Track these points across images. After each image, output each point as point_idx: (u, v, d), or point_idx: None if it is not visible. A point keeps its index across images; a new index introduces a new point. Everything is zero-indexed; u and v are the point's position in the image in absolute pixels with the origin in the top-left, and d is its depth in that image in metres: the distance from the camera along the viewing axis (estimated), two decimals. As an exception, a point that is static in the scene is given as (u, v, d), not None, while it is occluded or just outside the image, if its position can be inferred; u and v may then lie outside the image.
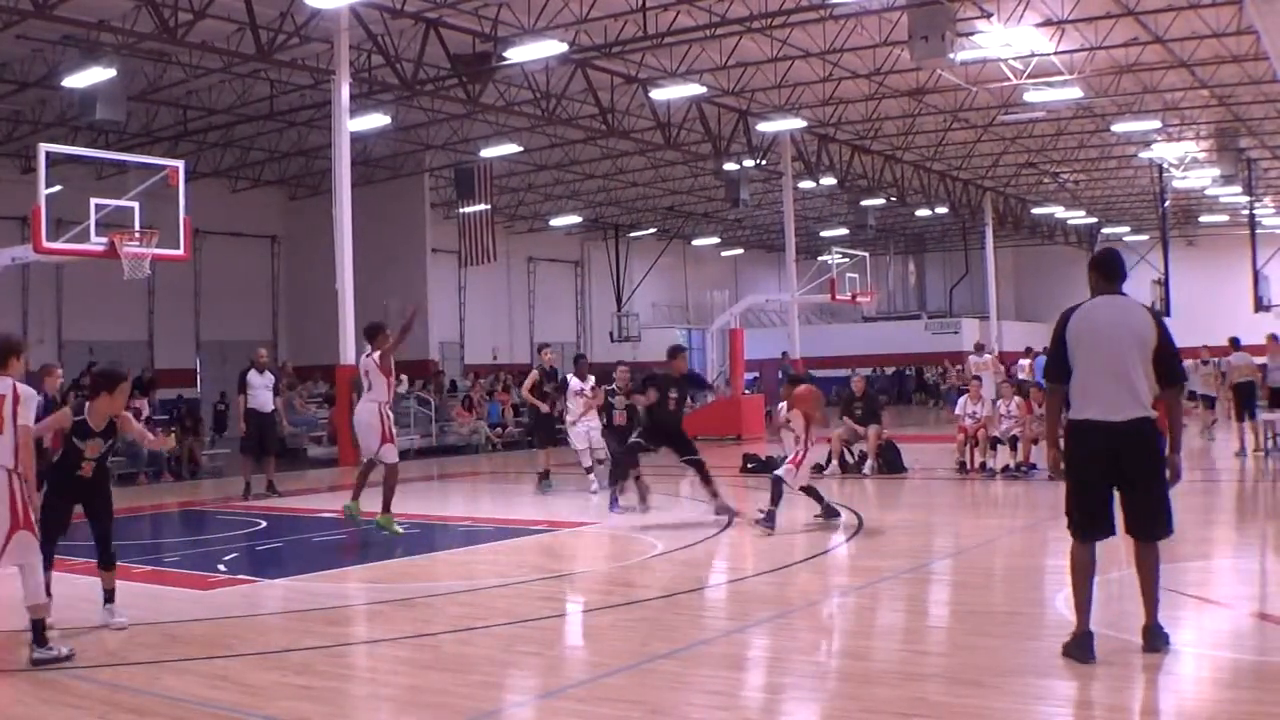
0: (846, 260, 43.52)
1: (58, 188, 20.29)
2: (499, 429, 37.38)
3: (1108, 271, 9.37)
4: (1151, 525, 8.96)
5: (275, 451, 23.61)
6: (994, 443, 23.12)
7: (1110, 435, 8.83)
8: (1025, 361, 39.07)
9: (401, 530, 16.31)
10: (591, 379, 21.91)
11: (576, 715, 7.92)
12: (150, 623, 10.85)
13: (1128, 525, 8.97)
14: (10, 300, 36.33)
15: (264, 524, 18.44)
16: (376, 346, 16.65)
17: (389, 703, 8.52)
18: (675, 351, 18.90)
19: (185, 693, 8.49)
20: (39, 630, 9.39)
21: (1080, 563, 8.97)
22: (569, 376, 22.37)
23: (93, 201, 20.26)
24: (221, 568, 14.28)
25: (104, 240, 20.24)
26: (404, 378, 38.60)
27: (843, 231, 60.45)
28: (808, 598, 12.11)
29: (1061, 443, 9.27)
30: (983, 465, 23.04)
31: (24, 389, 9.55)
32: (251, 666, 9.28)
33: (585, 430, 21.74)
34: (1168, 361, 9.04)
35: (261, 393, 22.54)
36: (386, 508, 16.29)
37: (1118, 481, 8.89)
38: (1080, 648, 8.66)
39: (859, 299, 44.63)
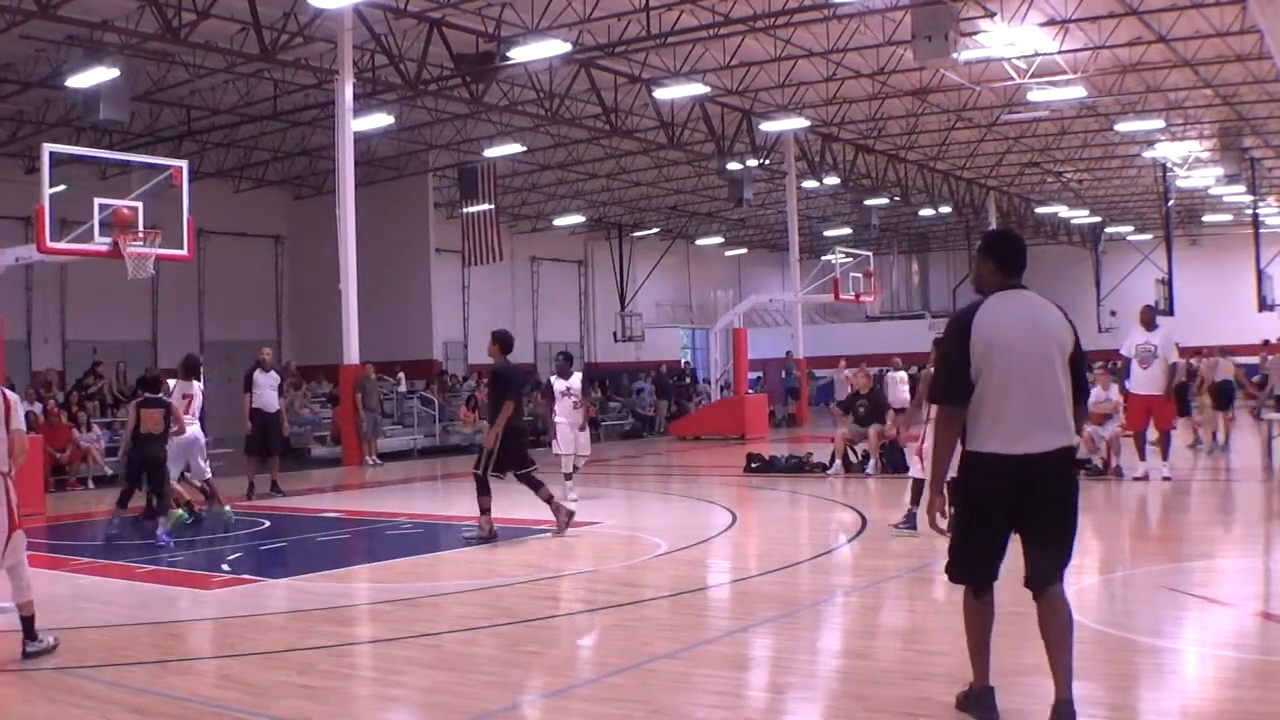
0: (850, 260, 43.44)
1: (61, 188, 20.24)
2: (502, 428, 37.32)
3: (1007, 260, 7.40)
4: (1060, 566, 7.26)
5: (279, 451, 23.66)
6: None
7: (1024, 471, 7.04)
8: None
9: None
10: (578, 375, 21.33)
11: (580, 715, 7.93)
12: (154, 622, 10.88)
13: (1033, 573, 7.24)
14: (14, 300, 36.32)
15: (267, 524, 18.46)
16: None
17: (393, 702, 8.54)
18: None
19: (189, 692, 8.50)
20: (29, 625, 9.59)
21: (980, 617, 7.54)
22: (551, 377, 21.92)
23: (96, 201, 20.23)
24: (225, 567, 14.32)
25: (108, 240, 20.22)
26: (401, 375, 38.73)
27: (846, 231, 60.47)
28: (811, 597, 12.11)
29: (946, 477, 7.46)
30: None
31: (10, 394, 9.94)
32: (255, 666, 9.29)
33: (571, 434, 20.79)
34: (1080, 374, 7.34)
35: (267, 392, 22.61)
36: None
37: (1020, 525, 7.18)
38: (981, 705, 7.46)
39: (862, 299, 44.58)
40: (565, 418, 20.67)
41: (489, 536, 15.89)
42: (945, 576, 7.52)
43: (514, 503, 19.00)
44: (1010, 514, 7.16)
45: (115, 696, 8.55)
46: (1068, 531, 7.21)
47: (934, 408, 7.57)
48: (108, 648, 10.04)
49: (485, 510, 16.05)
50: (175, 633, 10.59)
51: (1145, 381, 20.39)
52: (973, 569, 7.41)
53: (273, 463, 23.06)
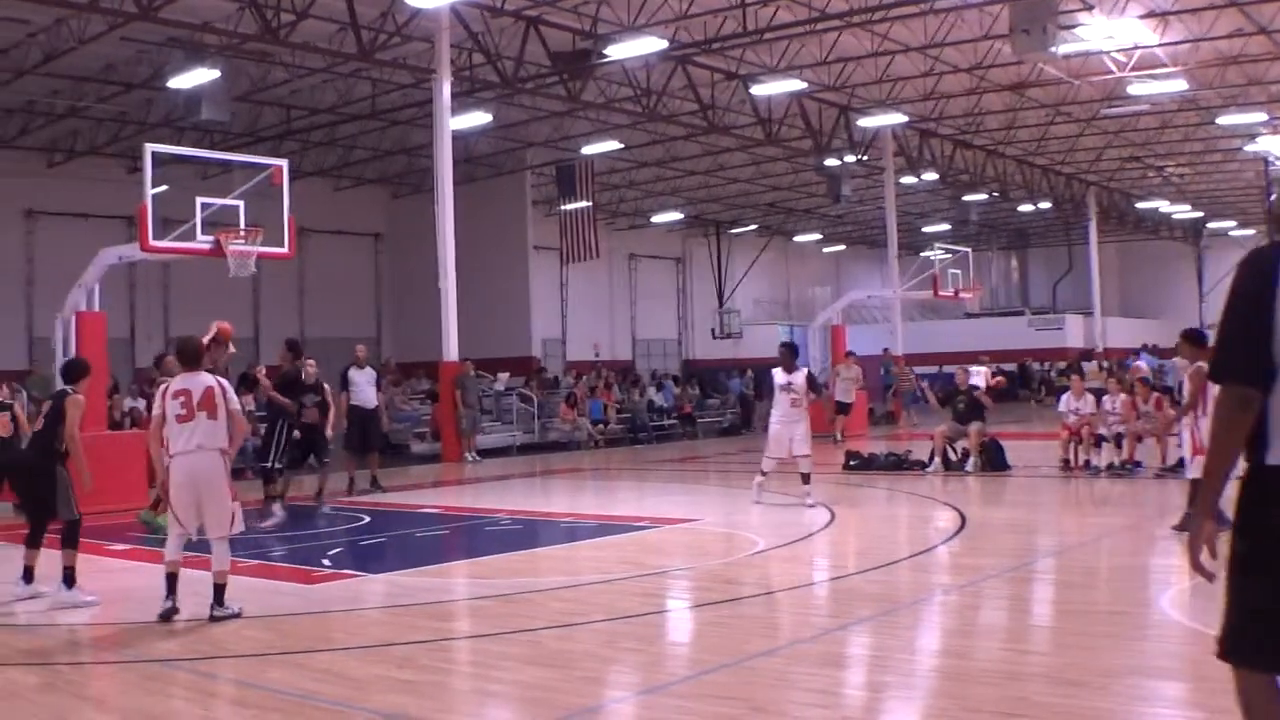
0: (949, 256, 43.20)
1: (164, 187, 20.47)
2: (601, 425, 37.46)
3: None
4: None
5: (379, 447, 23.80)
6: (1098, 440, 22.85)
7: None
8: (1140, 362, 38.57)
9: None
10: (804, 370, 19.53)
11: (677, 712, 7.91)
12: (256, 616, 10.98)
13: None
14: (119, 298, 36.78)
15: (367, 519, 18.59)
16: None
17: (490, 697, 8.57)
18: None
19: (288, 685, 8.57)
20: (220, 592, 10.87)
21: (1263, 710, 5.07)
22: (774, 370, 19.51)
23: (198, 200, 20.46)
24: (326, 562, 14.44)
25: (210, 239, 20.45)
26: (505, 374, 38.82)
27: (945, 227, 60.07)
28: (910, 596, 12.04)
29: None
30: (1086, 463, 22.76)
31: (223, 380, 11.41)
32: (354, 660, 9.35)
33: (787, 434, 18.92)
34: None
35: (364, 389, 22.76)
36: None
37: None
38: None
39: (962, 295, 44.20)
40: (782, 416, 19.00)
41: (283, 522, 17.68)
42: (1216, 652, 5.17)
43: (615, 499, 19.06)
44: None
45: (215, 689, 8.66)
46: None
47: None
48: (208, 640, 10.15)
49: (275, 497, 17.94)
50: (275, 626, 10.68)
51: None
52: (1263, 644, 4.95)
53: (372, 459, 23.21)
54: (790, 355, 19.48)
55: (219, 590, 10.87)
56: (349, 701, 8.16)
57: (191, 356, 11.38)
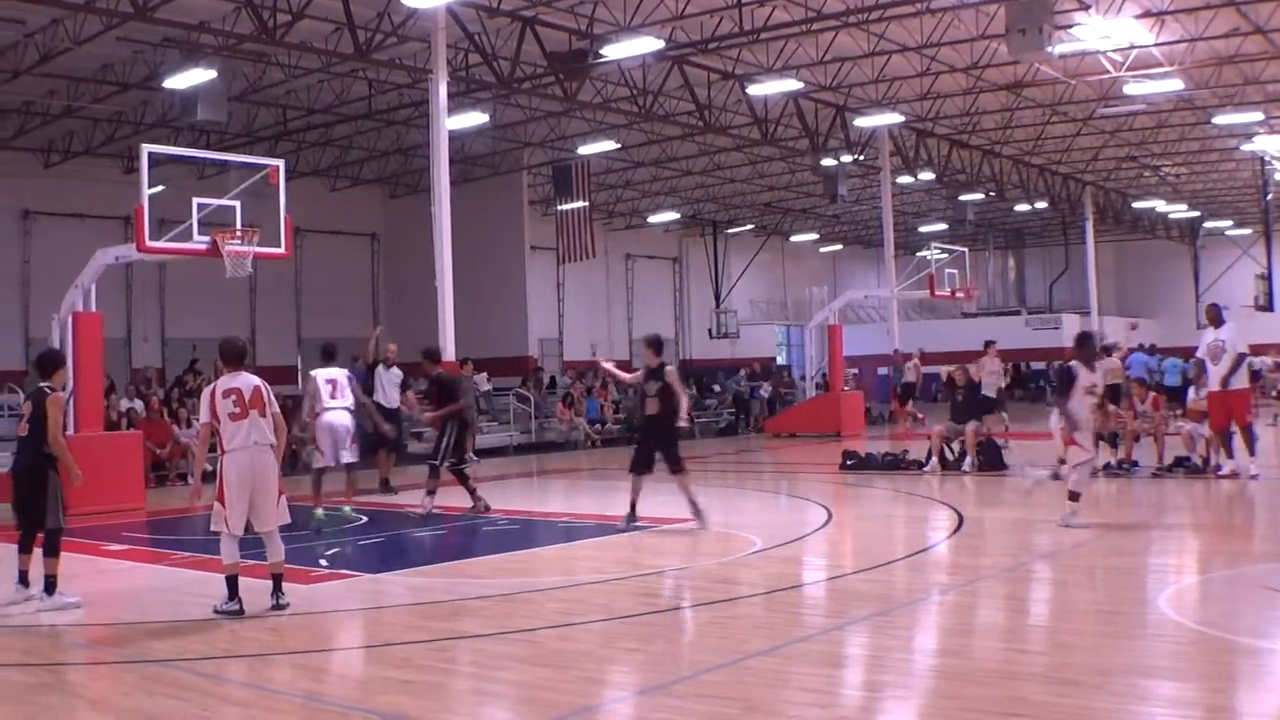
0: (945, 256, 43.13)
1: (160, 188, 20.48)
2: (598, 425, 37.46)
3: None
4: None
5: (392, 448, 23.75)
6: (1097, 440, 22.82)
7: None
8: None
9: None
10: (1102, 370, 17.09)
11: (675, 712, 7.92)
12: (253, 616, 10.98)
13: None
14: (115, 299, 36.77)
15: (365, 519, 18.57)
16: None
17: (489, 697, 8.57)
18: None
19: (288, 686, 8.59)
20: (279, 582, 11.39)
21: None
22: (1074, 364, 16.09)
23: (194, 201, 20.42)
24: (324, 563, 14.42)
25: (206, 239, 20.41)
26: (484, 374, 38.64)
27: (941, 227, 59.98)
28: (907, 596, 12.04)
29: None
30: (1084, 462, 22.72)
31: (264, 383, 11.77)
32: (353, 660, 9.38)
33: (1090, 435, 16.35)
34: None
35: (388, 389, 23.00)
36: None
37: None
38: None
39: (958, 295, 44.14)
40: (1083, 414, 16.01)
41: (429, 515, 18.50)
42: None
43: (613, 499, 19.04)
44: None
45: (215, 689, 8.66)
46: None
47: None
48: (208, 641, 10.15)
49: (432, 492, 18.81)
50: (274, 627, 10.69)
51: (1221, 379, 20.19)
52: None
53: (381, 458, 23.20)
54: (1091, 350, 16.69)
55: (278, 580, 11.37)
56: (347, 702, 8.18)
57: (235, 356, 11.83)
